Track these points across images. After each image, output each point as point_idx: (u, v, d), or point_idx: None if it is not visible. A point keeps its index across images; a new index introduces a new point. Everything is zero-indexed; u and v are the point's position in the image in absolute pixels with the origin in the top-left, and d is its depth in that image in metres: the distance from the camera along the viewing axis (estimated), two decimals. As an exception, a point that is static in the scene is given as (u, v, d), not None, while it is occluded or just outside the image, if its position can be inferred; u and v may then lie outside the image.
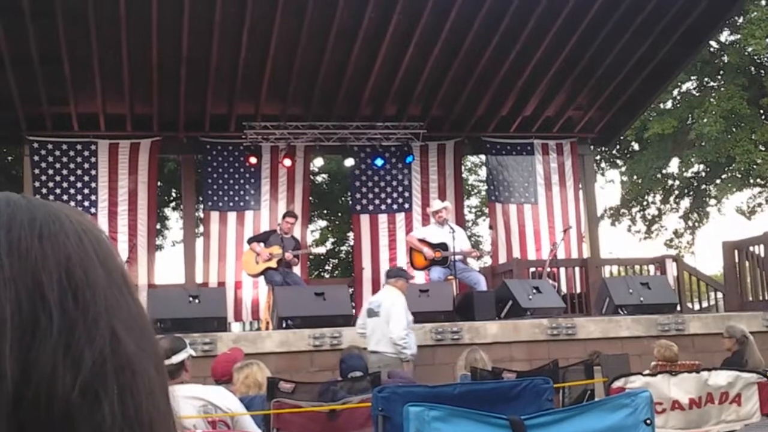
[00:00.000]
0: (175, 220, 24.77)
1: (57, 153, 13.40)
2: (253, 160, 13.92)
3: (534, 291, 10.69)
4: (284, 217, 12.13)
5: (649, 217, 25.60)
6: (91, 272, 0.63)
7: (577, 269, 13.82)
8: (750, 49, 19.75)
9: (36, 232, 0.63)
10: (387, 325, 8.40)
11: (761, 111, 20.81)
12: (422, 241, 11.81)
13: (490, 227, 15.45)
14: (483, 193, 25.64)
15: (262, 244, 11.90)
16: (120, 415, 0.60)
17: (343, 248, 26.08)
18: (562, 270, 13.78)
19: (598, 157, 23.93)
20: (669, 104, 22.21)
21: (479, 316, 10.24)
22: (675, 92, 22.10)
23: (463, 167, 18.36)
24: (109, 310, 0.62)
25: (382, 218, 14.67)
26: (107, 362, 0.60)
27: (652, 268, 14.11)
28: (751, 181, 22.22)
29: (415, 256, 11.95)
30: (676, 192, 24.77)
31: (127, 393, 0.61)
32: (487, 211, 18.53)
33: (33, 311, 0.59)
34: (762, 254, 12.24)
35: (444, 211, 11.96)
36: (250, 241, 12.20)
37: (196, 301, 9.84)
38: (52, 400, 0.58)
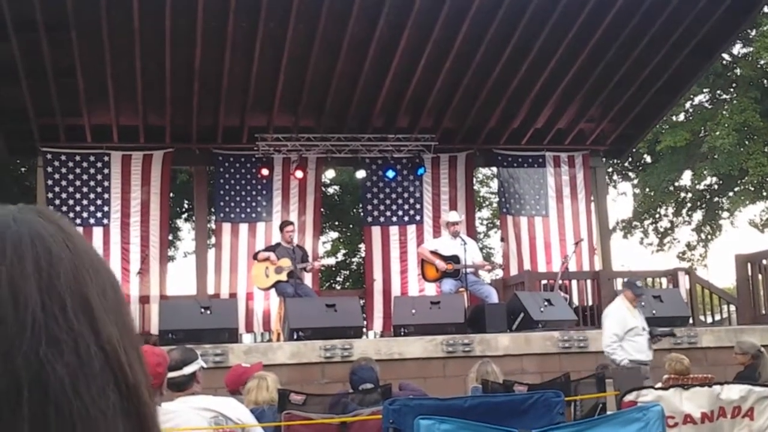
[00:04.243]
0: (187, 231, 24.84)
1: (70, 164, 13.48)
2: (265, 171, 13.95)
3: (545, 303, 10.67)
4: (283, 228, 12.11)
5: (662, 230, 25.51)
6: (22, 295, 0.63)
7: (588, 282, 13.77)
8: (762, 62, 19.71)
9: None
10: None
11: (774, 124, 20.73)
12: (434, 253, 11.79)
13: (502, 239, 15.43)
14: (494, 205, 25.62)
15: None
16: None
17: (355, 260, 26.08)
18: (574, 282, 13.74)
19: (610, 170, 23.88)
20: (681, 117, 22.16)
21: (490, 329, 10.23)
22: (687, 105, 22.05)
23: (474, 179, 18.36)
24: (36, 333, 0.62)
25: (394, 230, 14.67)
26: (23, 391, 0.60)
27: (664, 280, 14.05)
28: (764, 193, 22.14)
29: (426, 268, 11.93)
30: (689, 205, 24.68)
31: (49, 420, 0.60)
32: (498, 223, 18.51)
33: None
34: (775, 267, 12.18)
35: (459, 224, 11.96)
36: (256, 255, 12.13)
37: (208, 312, 9.86)
38: None
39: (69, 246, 0.68)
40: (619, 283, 14.00)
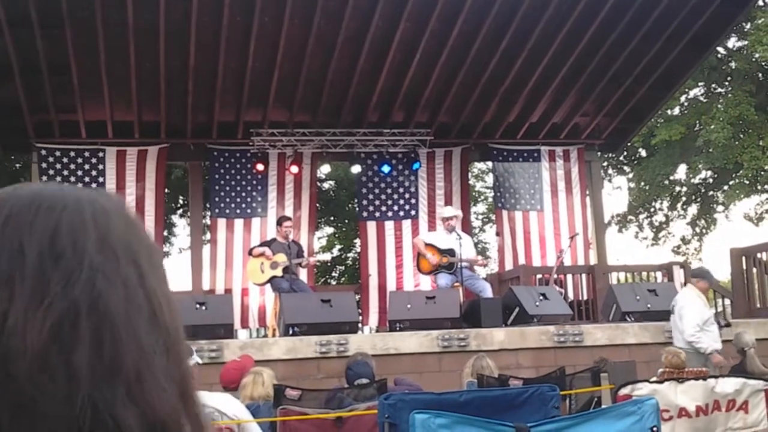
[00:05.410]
0: (182, 227, 24.81)
1: (65, 160, 13.46)
2: (260, 166, 13.94)
3: (541, 298, 10.67)
4: (281, 223, 11.96)
5: (657, 224, 25.54)
6: (80, 238, 0.70)
7: (584, 276, 13.79)
8: (757, 55, 19.72)
9: (33, 207, 0.71)
10: (680, 323, 9.11)
11: (769, 117, 20.78)
12: (429, 245, 11.81)
13: (497, 234, 15.44)
14: (490, 199, 25.66)
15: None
16: (97, 363, 0.65)
17: (350, 255, 26.09)
18: (569, 277, 13.75)
19: (605, 164, 23.90)
20: (676, 110, 22.18)
21: (486, 323, 10.23)
22: (682, 98, 22.07)
23: (469, 174, 18.36)
24: (94, 269, 0.69)
25: (389, 225, 14.67)
26: (81, 314, 0.66)
27: (659, 274, 14.07)
28: (759, 187, 22.17)
29: (421, 261, 11.94)
30: (684, 198, 24.73)
31: (105, 342, 0.66)
32: (494, 217, 18.53)
33: (9, 271, 0.67)
34: (770, 261, 12.20)
35: (454, 219, 11.95)
36: (252, 251, 12.05)
37: (203, 308, 9.85)
38: (24, 348, 0.64)
39: (122, 216, 0.77)
40: (613, 278, 14.05)
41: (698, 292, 9.26)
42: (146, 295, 0.72)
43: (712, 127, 19.58)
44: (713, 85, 22.16)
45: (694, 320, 8.96)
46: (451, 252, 11.53)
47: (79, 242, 0.70)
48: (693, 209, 24.86)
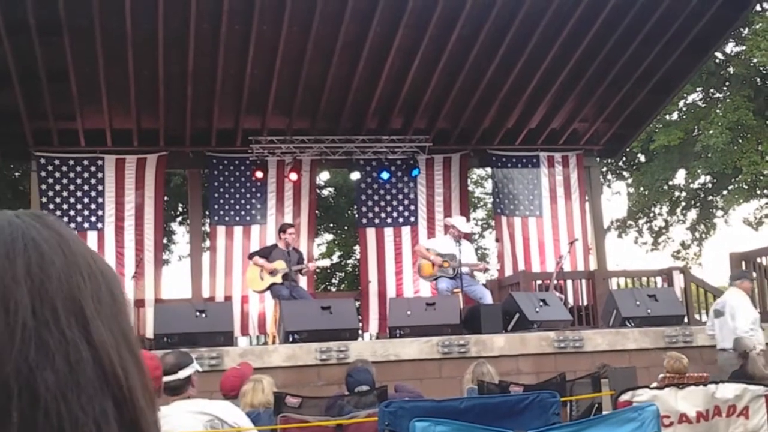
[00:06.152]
0: (181, 234, 24.82)
1: (64, 168, 13.46)
2: (259, 174, 13.94)
3: (541, 303, 10.67)
4: (285, 231, 11.87)
5: (656, 229, 25.55)
6: (9, 294, 0.61)
7: (584, 281, 13.78)
8: (755, 60, 19.75)
9: None
10: (732, 322, 9.18)
11: (767, 122, 20.78)
12: (430, 251, 11.81)
13: (497, 240, 15.44)
14: (489, 205, 25.66)
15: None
16: None
17: (350, 261, 26.08)
18: (569, 282, 13.74)
19: (604, 169, 23.92)
20: (675, 116, 22.19)
21: (486, 329, 10.22)
22: (681, 103, 22.10)
23: (468, 180, 18.36)
24: (26, 339, 0.60)
25: (388, 231, 14.68)
26: (12, 396, 0.59)
27: (659, 279, 14.06)
28: (758, 192, 22.17)
29: (422, 266, 11.93)
30: (683, 203, 24.73)
31: (38, 425, 0.59)
32: (493, 224, 18.53)
33: None
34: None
35: (464, 233, 11.93)
36: (251, 255, 12.09)
37: (203, 315, 9.83)
38: None
39: (64, 250, 0.66)
40: (613, 283, 14.04)
41: (744, 293, 9.45)
42: (91, 349, 0.63)
43: (711, 132, 19.58)
44: (711, 90, 22.17)
45: (748, 318, 9.16)
46: (451, 257, 11.53)
47: (12, 306, 0.61)
48: (692, 214, 24.87)
